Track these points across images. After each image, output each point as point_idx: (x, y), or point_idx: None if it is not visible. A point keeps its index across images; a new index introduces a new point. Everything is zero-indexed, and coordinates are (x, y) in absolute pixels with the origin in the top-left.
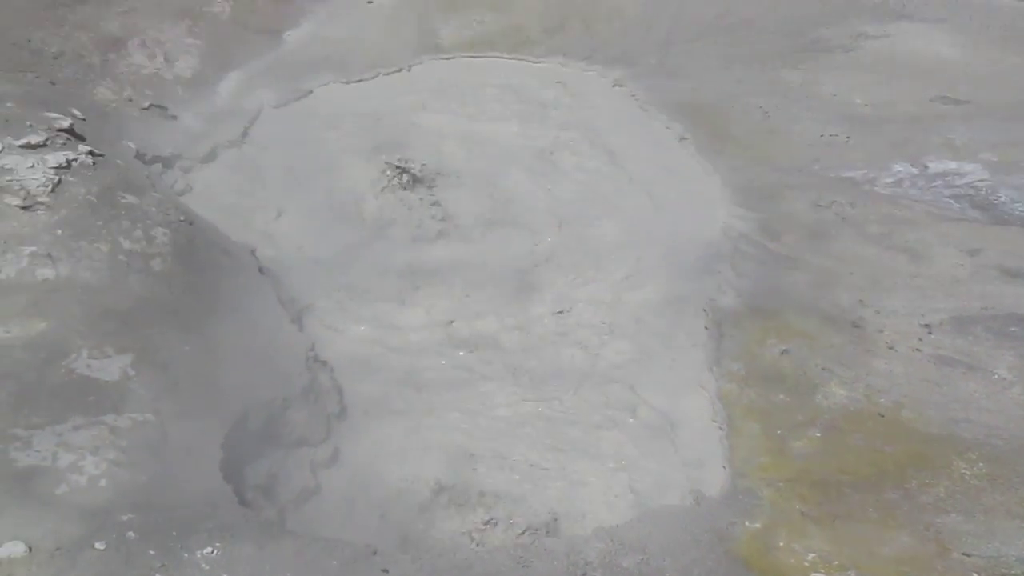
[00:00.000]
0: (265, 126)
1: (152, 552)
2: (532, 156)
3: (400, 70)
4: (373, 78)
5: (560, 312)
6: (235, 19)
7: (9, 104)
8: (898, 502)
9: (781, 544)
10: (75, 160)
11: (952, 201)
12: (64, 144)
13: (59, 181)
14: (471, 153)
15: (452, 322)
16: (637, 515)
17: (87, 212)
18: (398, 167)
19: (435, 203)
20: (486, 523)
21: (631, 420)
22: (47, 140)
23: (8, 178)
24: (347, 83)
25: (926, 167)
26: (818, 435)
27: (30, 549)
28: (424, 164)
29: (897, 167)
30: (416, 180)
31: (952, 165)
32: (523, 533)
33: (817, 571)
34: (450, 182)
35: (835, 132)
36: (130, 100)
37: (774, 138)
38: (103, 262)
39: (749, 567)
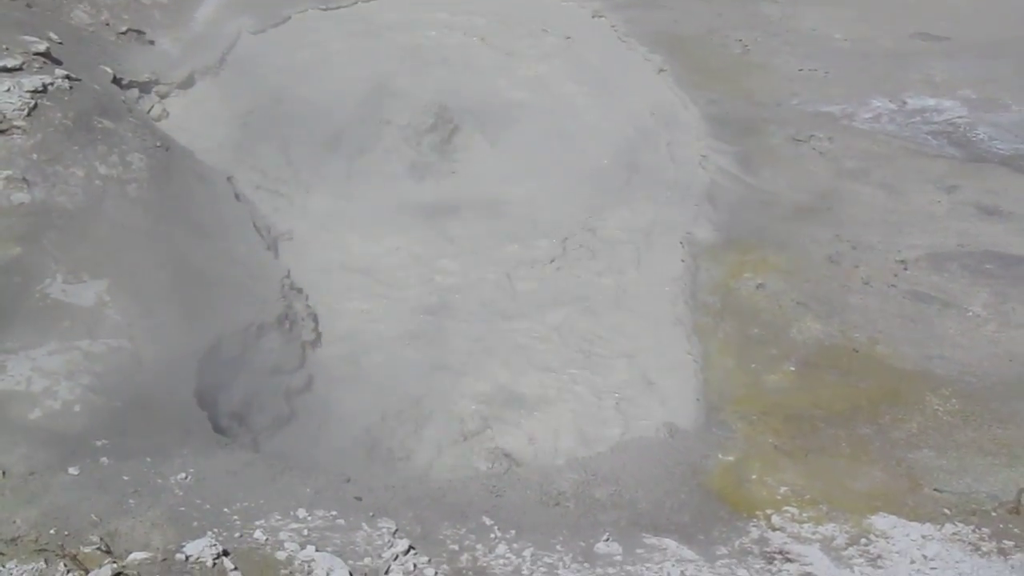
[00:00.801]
0: (243, 52)
1: (126, 478)
2: (512, 84)
3: None
4: (352, 4)
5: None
6: None
7: None
8: (871, 437)
9: (754, 477)
10: (51, 84)
11: (930, 137)
12: (40, 68)
13: (35, 105)
14: (451, 79)
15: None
16: (610, 447)
17: (63, 137)
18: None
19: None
20: (462, 440)
21: (603, 351)
22: (23, 64)
23: None
24: (326, 9)
25: (905, 103)
26: (792, 369)
27: (3, 473)
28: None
29: (876, 103)
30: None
31: (931, 101)
32: (494, 454)
33: (789, 504)
34: (428, 107)
35: (814, 67)
36: (107, 24)
37: (753, 72)
38: (79, 187)
39: (722, 500)
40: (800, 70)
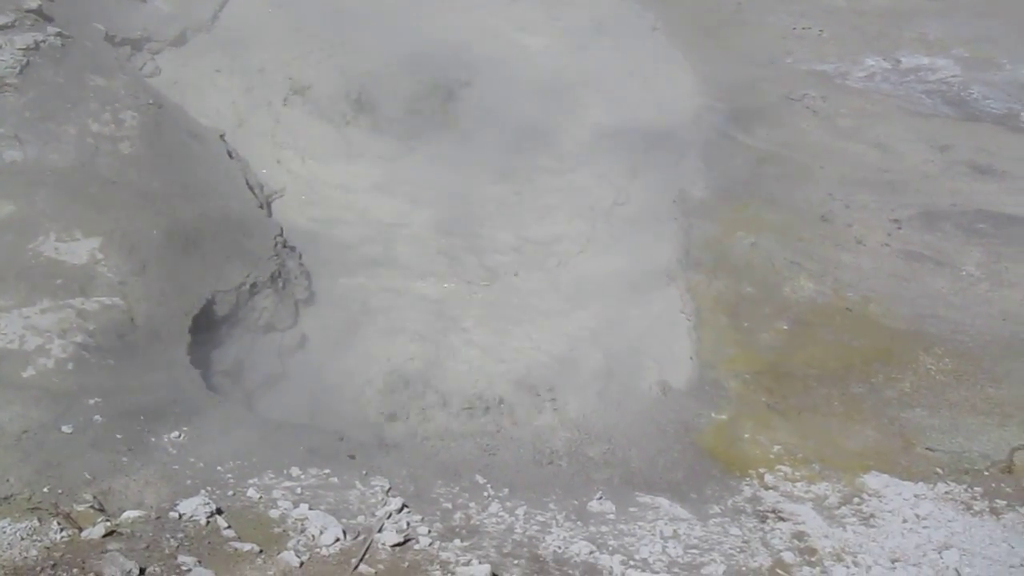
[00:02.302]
0: (236, 9)
1: (119, 436)
2: (505, 44)
3: None
4: None
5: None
6: None
7: None
8: (864, 396)
9: (746, 436)
10: (43, 42)
11: (924, 96)
12: (32, 25)
13: (27, 63)
14: (442, 37)
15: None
16: (603, 405)
17: (55, 94)
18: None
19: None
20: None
21: (598, 305)
22: (15, 21)
23: None
24: None
25: (899, 62)
26: (785, 328)
27: None
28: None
29: (870, 61)
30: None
31: (925, 60)
32: (486, 408)
33: (782, 463)
34: (425, 65)
35: (808, 25)
36: None
37: (746, 30)
38: (71, 144)
39: (714, 458)
40: (794, 28)
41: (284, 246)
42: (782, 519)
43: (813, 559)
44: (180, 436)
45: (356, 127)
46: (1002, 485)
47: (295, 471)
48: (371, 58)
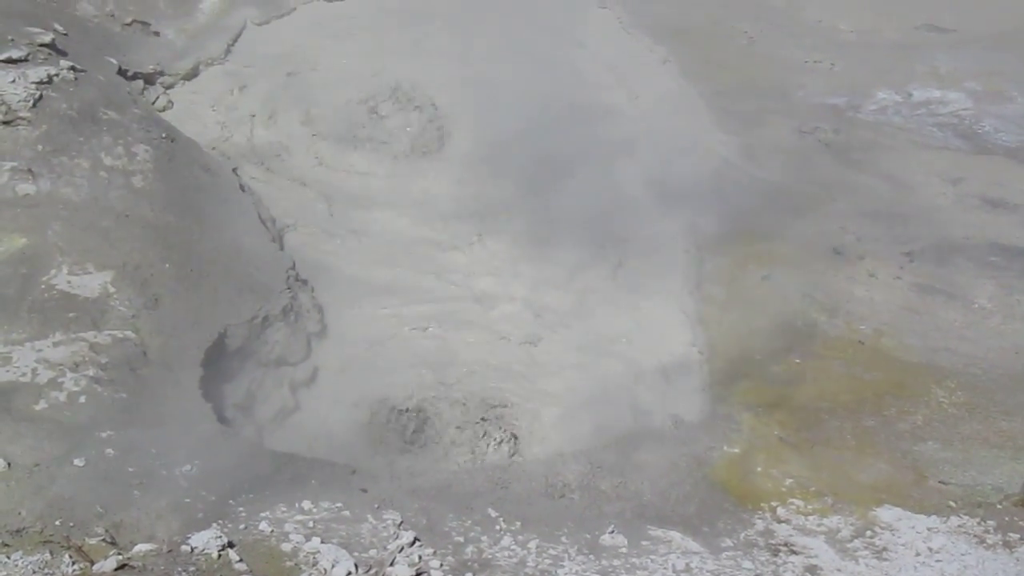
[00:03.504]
0: (248, 43)
1: (131, 469)
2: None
3: None
4: None
5: None
6: None
7: None
8: (876, 429)
9: (759, 469)
10: (56, 75)
11: (935, 129)
12: (46, 59)
13: (40, 96)
14: (461, 72)
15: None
16: (615, 438)
17: (68, 128)
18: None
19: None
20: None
21: (611, 343)
22: (28, 55)
23: None
24: (330, 1)
25: (910, 95)
26: (797, 361)
27: (9, 465)
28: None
29: (881, 94)
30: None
31: (936, 93)
32: (501, 443)
33: (794, 496)
34: (437, 94)
35: (819, 58)
36: (112, 15)
37: (758, 63)
38: (84, 178)
39: (727, 491)
40: (806, 62)
41: (296, 279)
42: (794, 552)
43: None
44: (192, 469)
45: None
46: (1015, 518)
47: (307, 504)
48: None
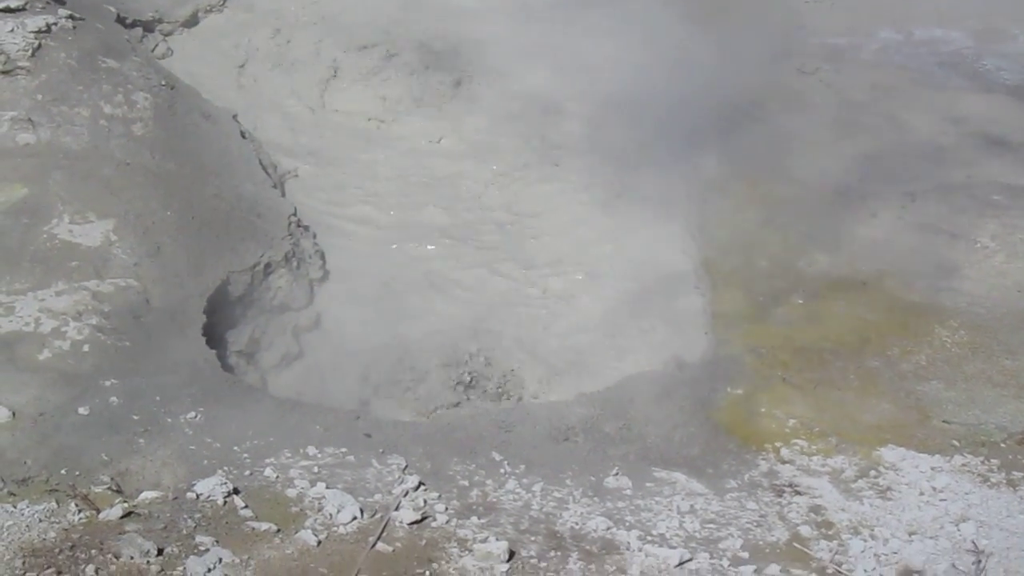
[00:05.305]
0: None
1: (136, 417)
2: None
3: None
4: None
5: None
6: None
7: None
8: (880, 369)
9: (763, 410)
10: (55, 24)
11: (937, 68)
12: (44, 8)
13: (39, 45)
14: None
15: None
16: (619, 381)
17: (68, 77)
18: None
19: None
20: (469, 379)
21: (611, 284)
22: (26, 4)
23: None
24: None
25: (911, 34)
26: (800, 302)
27: (13, 414)
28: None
29: (882, 34)
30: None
31: (938, 32)
32: (504, 388)
33: (798, 437)
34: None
35: None
36: None
37: (759, 3)
38: (84, 127)
39: (731, 433)
40: (806, 1)
41: (298, 226)
42: (799, 493)
43: (830, 532)
44: (196, 416)
45: None
46: (1019, 457)
47: (311, 450)
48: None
